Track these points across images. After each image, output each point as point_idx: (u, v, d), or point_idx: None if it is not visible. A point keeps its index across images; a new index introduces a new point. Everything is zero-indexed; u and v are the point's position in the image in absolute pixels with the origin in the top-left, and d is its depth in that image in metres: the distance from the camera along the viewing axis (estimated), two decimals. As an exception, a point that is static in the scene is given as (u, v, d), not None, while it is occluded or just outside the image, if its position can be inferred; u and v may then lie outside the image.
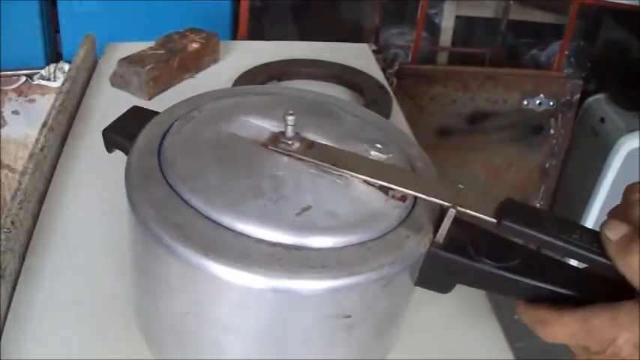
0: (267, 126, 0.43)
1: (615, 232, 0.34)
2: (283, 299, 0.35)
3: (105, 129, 0.47)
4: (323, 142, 0.43)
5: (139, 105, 0.50)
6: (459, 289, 0.40)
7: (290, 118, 0.41)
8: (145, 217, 0.36)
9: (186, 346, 0.40)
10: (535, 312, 0.37)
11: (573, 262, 0.39)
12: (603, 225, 0.35)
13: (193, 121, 0.44)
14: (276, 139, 0.42)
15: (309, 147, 0.41)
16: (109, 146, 0.47)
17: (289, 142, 0.41)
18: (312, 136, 0.43)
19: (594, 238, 0.36)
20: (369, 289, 0.36)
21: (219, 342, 0.38)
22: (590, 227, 0.37)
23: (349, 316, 0.37)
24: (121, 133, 0.45)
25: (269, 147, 0.41)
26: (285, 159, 0.41)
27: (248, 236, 0.35)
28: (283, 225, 0.36)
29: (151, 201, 0.37)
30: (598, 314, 0.34)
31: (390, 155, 0.42)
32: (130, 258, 0.41)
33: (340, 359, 0.40)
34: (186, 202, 0.37)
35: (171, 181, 0.38)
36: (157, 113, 0.46)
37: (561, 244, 0.35)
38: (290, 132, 0.41)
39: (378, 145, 0.42)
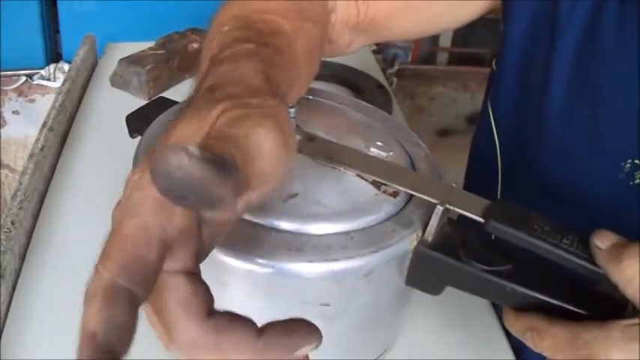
0: None
1: (605, 241, 0.34)
2: (258, 278, 0.36)
3: (129, 115, 0.49)
4: (326, 136, 0.43)
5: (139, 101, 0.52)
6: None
7: (291, 110, 0.42)
8: None
9: None
10: (525, 320, 0.36)
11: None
12: (593, 234, 0.34)
13: None
14: None
15: (309, 140, 0.42)
16: (132, 131, 0.50)
17: None
18: (317, 131, 0.44)
19: (587, 246, 0.34)
20: (348, 278, 0.36)
21: None
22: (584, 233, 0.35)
23: (327, 304, 0.37)
24: (143, 120, 0.47)
25: None
26: None
27: None
28: (267, 208, 0.37)
29: None
30: (590, 330, 0.33)
31: (391, 153, 0.43)
32: None
33: (323, 355, 0.40)
34: None
35: None
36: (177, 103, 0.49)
37: (549, 247, 0.34)
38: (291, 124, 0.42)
39: (379, 143, 0.43)
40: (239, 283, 0.37)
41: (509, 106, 0.55)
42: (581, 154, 0.49)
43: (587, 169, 0.48)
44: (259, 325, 0.38)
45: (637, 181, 0.46)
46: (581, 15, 0.47)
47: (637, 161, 0.45)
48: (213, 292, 0.37)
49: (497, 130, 0.57)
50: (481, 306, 0.52)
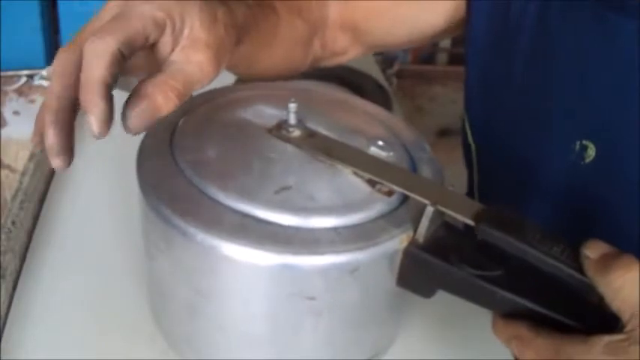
0: (280, 115, 0.45)
1: (594, 251, 0.33)
2: (247, 268, 0.36)
3: None
4: (327, 133, 0.44)
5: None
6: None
7: (292, 105, 0.43)
8: (143, 180, 0.40)
9: (165, 304, 0.43)
10: (512, 328, 0.36)
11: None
12: (583, 244, 0.34)
13: (213, 105, 0.47)
14: (281, 126, 0.43)
15: (310, 136, 0.43)
16: None
17: (290, 130, 0.43)
18: (319, 128, 0.44)
19: (578, 255, 0.34)
20: (334, 273, 0.37)
21: (192, 304, 0.40)
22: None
23: (313, 298, 0.37)
24: None
25: (271, 133, 0.43)
26: (284, 145, 0.42)
27: (225, 205, 0.37)
28: (259, 199, 0.37)
29: (152, 167, 0.40)
30: (573, 344, 0.33)
31: (391, 154, 0.43)
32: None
33: (312, 353, 0.41)
34: (181, 170, 0.40)
35: (174, 152, 0.41)
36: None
37: (538, 254, 0.34)
38: (292, 120, 0.43)
39: (380, 143, 0.43)
40: (226, 270, 0.37)
41: (477, 105, 0.58)
42: (537, 140, 0.52)
43: (542, 153, 0.52)
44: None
45: (587, 160, 0.49)
46: (532, 14, 0.50)
47: (584, 142, 0.49)
48: (202, 277, 0.39)
49: (470, 129, 0.59)
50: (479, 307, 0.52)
